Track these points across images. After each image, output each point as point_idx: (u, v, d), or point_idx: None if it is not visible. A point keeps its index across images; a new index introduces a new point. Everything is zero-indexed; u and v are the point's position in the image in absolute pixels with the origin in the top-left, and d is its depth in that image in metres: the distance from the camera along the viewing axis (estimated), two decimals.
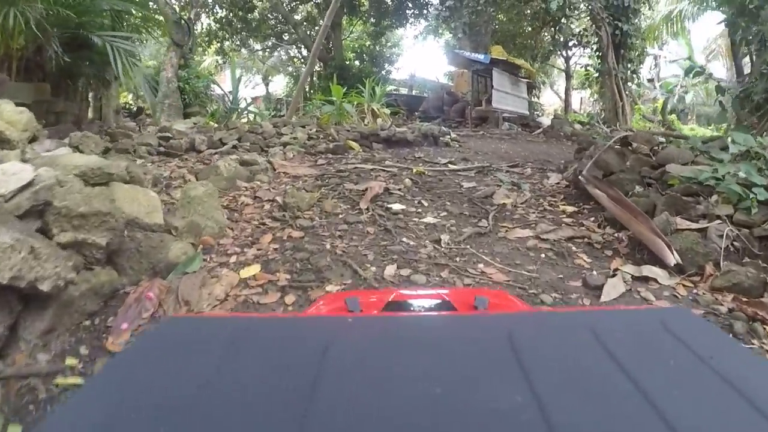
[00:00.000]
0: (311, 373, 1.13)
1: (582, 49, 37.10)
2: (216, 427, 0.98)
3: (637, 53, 31.79)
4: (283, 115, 21.96)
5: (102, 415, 1.02)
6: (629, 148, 11.06)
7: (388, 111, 21.61)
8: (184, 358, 1.28)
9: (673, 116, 40.07)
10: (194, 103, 27.04)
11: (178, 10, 29.29)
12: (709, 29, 57.22)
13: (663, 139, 11.66)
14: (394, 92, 33.96)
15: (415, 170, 13.03)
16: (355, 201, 10.10)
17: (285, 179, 12.25)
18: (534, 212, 9.99)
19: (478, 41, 32.37)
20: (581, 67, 40.80)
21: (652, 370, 1.16)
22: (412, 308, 2.65)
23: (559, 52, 40.59)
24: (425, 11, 39.70)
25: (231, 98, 23.68)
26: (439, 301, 2.62)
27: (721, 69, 42.84)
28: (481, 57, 28.82)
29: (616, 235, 8.43)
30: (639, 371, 1.12)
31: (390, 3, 39.14)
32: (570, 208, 10.14)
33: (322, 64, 38.02)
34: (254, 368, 1.22)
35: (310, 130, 17.60)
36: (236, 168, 11.83)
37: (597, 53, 31.49)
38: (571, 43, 34.16)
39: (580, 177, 9.50)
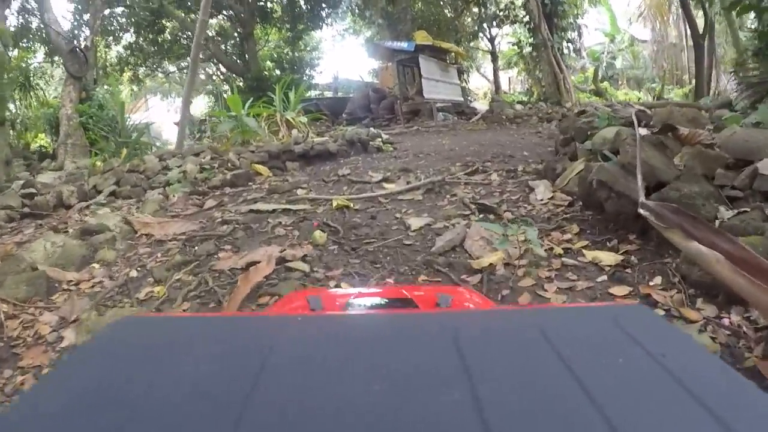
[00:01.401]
0: (252, 373, 1.02)
1: (508, 26, 32.20)
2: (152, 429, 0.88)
3: (569, 20, 27.28)
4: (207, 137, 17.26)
5: (51, 413, 0.94)
6: (669, 135, 6.13)
7: (305, 119, 16.64)
8: (134, 357, 1.17)
9: (606, 83, 36.13)
10: (101, 138, 21.76)
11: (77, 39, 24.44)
12: None
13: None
14: (316, 98, 29.04)
15: (335, 204, 8.43)
16: (224, 292, 5.77)
17: (144, 249, 7.65)
18: (546, 273, 5.15)
19: (399, 30, 27.93)
20: (512, 45, 36.79)
21: (599, 368, 1.04)
22: (372, 306, 2.38)
23: (482, 34, 36.50)
24: (339, 9, 35.37)
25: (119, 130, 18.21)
26: (400, 299, 2.46)
27: (644, 31, 41.49)
28: (404, 45, 24.54)
29: (729, 319, 4.07)
30: (584, 369, 1.00)
31: (303, 5, 34.48)
32: (604, 255, 5.45)
33: (238, 78, 33.10)
34: (197, 368, 1.08)
35: (204, 158, 12.78)
36: (64, 247, 7.30)
37: (528, 25, 26.72)
38: (497, 20, 29.04)
39: (642, 211, 4.31)
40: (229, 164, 12.24)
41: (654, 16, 38.87)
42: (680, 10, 34.74)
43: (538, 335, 1.17)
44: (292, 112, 16.70)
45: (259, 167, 12.22)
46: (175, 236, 7.85)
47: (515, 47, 36.59)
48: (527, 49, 31.16)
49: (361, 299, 2.47)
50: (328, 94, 33.50)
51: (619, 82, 40.86)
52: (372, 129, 17.14)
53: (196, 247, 7.16)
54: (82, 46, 22.81)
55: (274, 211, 8.37)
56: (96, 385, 1.03)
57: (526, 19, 27.20)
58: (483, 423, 0.85)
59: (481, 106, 29.59)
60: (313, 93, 33.21)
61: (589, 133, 8.47)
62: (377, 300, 2.54)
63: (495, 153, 13.06)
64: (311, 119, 18.47)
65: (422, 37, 25.05)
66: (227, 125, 15.35)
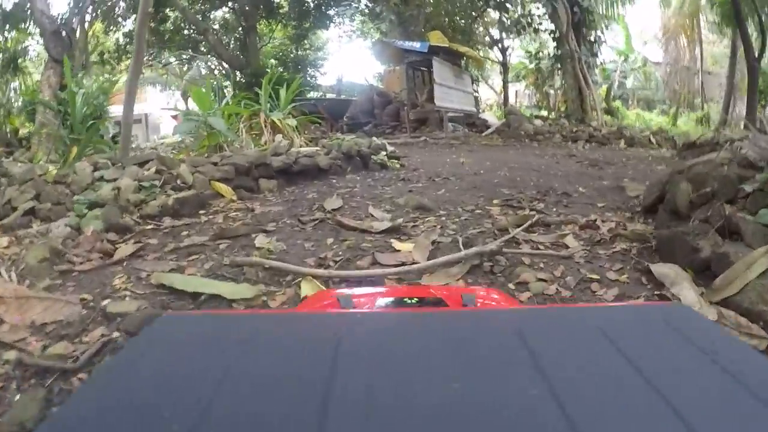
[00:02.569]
0: (325, 369, 0.97)
1: (530, 34, 27.95)
2: (234, 427, 0.83)
3: (596, 33, 23.32)
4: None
5: (106, 417, 0.86)
6: None
7: (294, 122, 12.29)
8: (190, 356, 1.09)
9: (617, 102, 32.34)
10: (81, 129, 17.69)
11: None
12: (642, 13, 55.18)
13: None
14: (314, 99, 24.79)
15: (304, 290, 4.56)
16: None
17: None
18: None
19: (411, 32, 23.67)
20: (529, 56, 33.25)
21: (660, 365, 1.00)
22: (403, 305, 2.20)
23: (495, 44, 32.38)
24: (348, 8, 31.88)
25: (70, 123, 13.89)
26: (431, 298, 2.32)
27: (657, 52, 38.81)
28: (417, 45, 20.54)
29: None
30: (648, 366, 0.96)
31: (311, 2, 31.09)
32: None
33: (237, 72, 29.15)
34: (267, 366, 1.03)
35: (148, 170, 8.68)
36: None
37: (553, 34, 22.60)
38: (518, 27, 24.81)
39: None
40: (179, 181, 8.25)
41: (668, 39, 36.23)
42: (695, 34, 32.73)
43: (597, 333, 1.11)
44: (280, 113, 12.60)
45: (220, 187, 8.33)
46: (34, 326, 4.05)
47: (527, 60, 34.09)
48: (546, 62, 27.50)
49: (390, 299, 2.35)
50: (331, 96, 29.33)
51: (630, 102, 37.16)
52: (375, 139, 13.18)
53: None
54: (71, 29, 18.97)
55: (195, 297, 4.53)
56: (156, 382, 0.96)
57: (551, 27, 22.99)
58: (566, 418, 0.79)
59: (492, 118, 25.68)
60: (315, 94, 29.42)
61: (747, 189, 4.97)
62: (406, 299, 2.27)
63: (537, 184, 9.35)
64: (304, 122, 14.34)
65: (437, 38, 20.94)
66: (186, 126, 11.24)
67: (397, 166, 11.49)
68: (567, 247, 5.45)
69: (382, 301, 2.23)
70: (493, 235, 5.86)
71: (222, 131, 10.31)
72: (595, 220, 6.41)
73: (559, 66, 23.87)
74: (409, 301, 2.22)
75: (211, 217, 7.29)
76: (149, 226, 6.85)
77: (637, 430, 0.81)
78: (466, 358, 1.02)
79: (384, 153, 11.72)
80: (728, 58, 32.70)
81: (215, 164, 8.80)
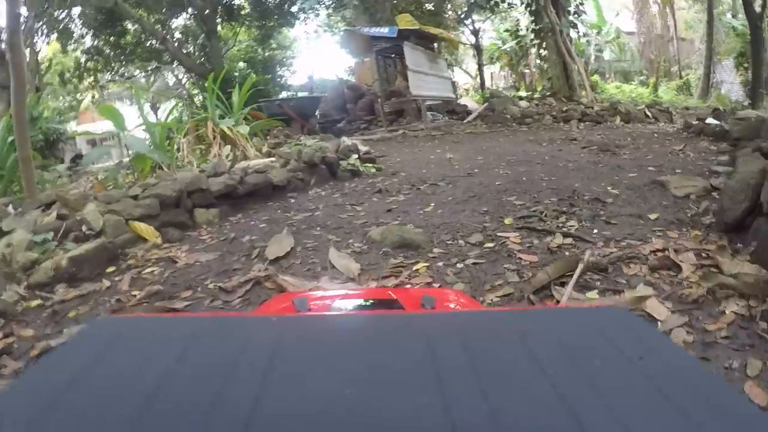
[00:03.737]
0: (258, 374, 0.91)
1: (497, 13, 25.58)
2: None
3: (577, 2, 20.91)
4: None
5: (31, 416, 0.80)
6: None
7: (246, 129, 9.69)
8: (124, 359, 1.01)
9: (596, 76, 30.07)
10: (37, 156, 15.24)
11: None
12: None
13: None
14: (279, 99, 21.94)
15: None
16: None
17: None
18: None
19: (378, 19, 20.96)
20: (511, 32, 30.59)
21: (575, 371, 0.92)
22: (358, 308, 2.09)
23: (465, 27, 30.33)
24: (309, 2, 29.23)
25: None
26: (386, 300, 2.22)
27: (629, 22, 37.10)
28: (385, 30, 17.82)
29: None
30: (560, 372, 0.90)
31: (272, 1, 28.64)
32: None
33: (202, 79, 26.35)
34: (197, 370, 0.95)
35: (49, 215, 6.18)
36: None
37: (529, 8, 20.22)
38: (491, 3, 22.09)
39: None
40: (84, 228, 5.76)
41: (641, 8, 34.84)
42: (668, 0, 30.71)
43: (514, 337, 1.06)
44: (231, 120, 10.06)
45: (140, 228, 5.92)
46: None
47: (500, 41, 32.31)
48: (524, 38, 24.99)
49: (348, 301, 2.22)
50: (303, 94, 26.47)
51: (607, 76, 34.77)
52: (345, 139, 10.69)
53: None
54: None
55: None
56: (84, 384, 0.89)
57: (527, 1, 20.47)
58: (451, 426, 0.75)
59: (471, 103, 23.15)
60: (287, 94, 27.29)
61: None
62: (362, 302, 2.18)
63: (552, 185, 7.04)
64: (263, 128, 11.81)
65: (406, 22, 18.29)
66: (97, 153, 8.68)
67: (373, 170, 9.09)
68: (653, 318, 3.20)
69: (337, 304, 2.05)
70: (526, 301, 3.68)
71: (144, 152, 7.74)
72: (665, 251, 4.19)
73: (538, 41, 21.33)
74: (365, 303, 2.12)
75: (119, 278, 4.94)
76: (35, 302, 4.56)
77: None
78: (368, 364, 0.95)
79: (356, 156, 9.31)
80: (701, 23, 31.49)
81: (135, 198, 6.33)
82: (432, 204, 6.35)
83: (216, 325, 1.25)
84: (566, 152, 9.92)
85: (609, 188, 6.58)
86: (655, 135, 12.53)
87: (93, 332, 1.16)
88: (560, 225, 5.13)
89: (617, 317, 1.21)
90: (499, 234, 4.97)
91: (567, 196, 6.20)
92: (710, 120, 11.95)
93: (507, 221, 5.33)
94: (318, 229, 5.69)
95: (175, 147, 9.17)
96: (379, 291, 3.19)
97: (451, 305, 2.24)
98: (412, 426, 0.77)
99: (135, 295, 4.39)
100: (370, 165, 9.28)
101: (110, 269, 5.11)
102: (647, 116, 16.68)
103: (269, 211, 6.77)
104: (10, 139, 8.88)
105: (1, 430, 0.76)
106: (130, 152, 8.87)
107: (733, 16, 29.73)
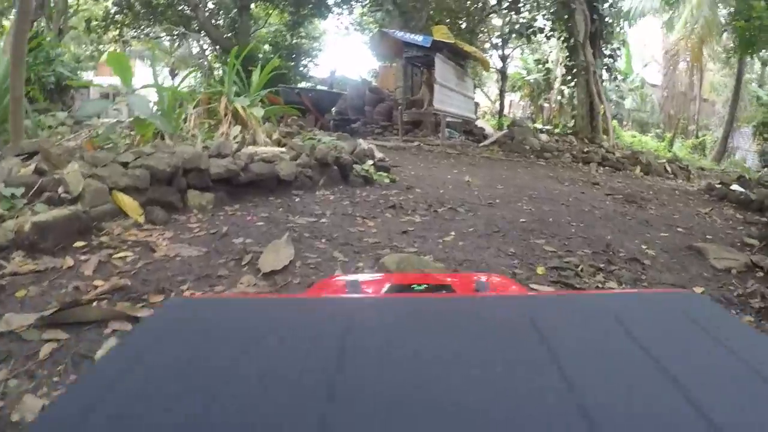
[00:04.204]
0: (333, 357, 0.88)
1: (533, 42, 24.89)
2: (244, 410, 0.75)
3: (613, 46, 20.21)
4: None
5: (118, 401, 0.78)
6: None
7: (261, 112, 8.92)
8: (201, 340, 0.98)
9: (614, 122, 29.23)
10: (40, 99, 14.44)
11: None
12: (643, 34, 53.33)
13: None
14: (298, 87, 21.03)
15: None
16: None
17: None
18: None
19: (412, 27, 20.14)
20: (539, 62, 30.40)
21: (675, 352, 0.90)
22: (413, 291, 2.03)
23: (495, 51, 29.08)
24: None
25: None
26: (437, 284, 2.15)
27: (656, 75, 36.68)
28: (419, 38, 16.76)
29: None
30: (662, 354, 0.87)
31: None
32: None
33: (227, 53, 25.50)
34: (278, 350, 0.92)
35: (26, 167, 5.43)
36: None
37: (566, 43, 19.43)
38: (529, 31, 21.25)
39: None
40: (61, 189, 4.97)
41: (669, 63, 33.25)
42: (698, 60, 30.15)
43: (611, 320, 1.01)
44: (246, 99, 9.25)
45: (124, 201, 5.14)
46: None
47: (525, 71, 32.07)
48: (552, 72, 24.26)
49: (399, 285, 2.13)
50: (322, 89, 25.62)
51: (624, 123, 34.13)
52: (362, 142, 9.84)
53: None
54: None
55: None
56: (165, 367, 0.87)
57: (565, 36, 19.67)
58: (580, 407, 0.72)
59: (488, 127, 22.49)
60: (306, 85, 26.21)
61: None
62: (416, 286, 2.07)
63: (581, 232, 6.34)
64: (279, 113, 10.96)
65: (442, 34, 17.27)
66: (92, 107, 7.75)
67: (386, 180, 8.30)
68: None
69: (390, 288, 2.03)
70: None
71: (146, 116, 6.86)
72: None
73: (569, 78, 20.53)
74: (418, 288, 2.03)
75: (85, 258, 4.15)
76: None
77: (651, 419, 0.72)
78: (479, 345, 0.92)
79: (371, 162, 8.50)
80: (726, 87, 31.16)
81: (125, 165, 5.51)
82: (452, 233, 5.58)
83: (284, 307, 1.21)
84: (589, 196, 9.16)
85: (644, 247, 5.87)
86: (677, 192, 11.82)
87: (169, 313, 1.14)
88: (599, 285, 4.38)
89: (697, 302, 1.18)
90: (532, 285, 4.20)
91: (601, 249, 5.45)
92: (735, 186, 11.36)
93: (539, 270, 4.58)
94: (323, 240, 4.91)
95: (183, 117, 8.37)
96: (427, 276, 2.98)
97: (504, 289, 2.15)
98: (546, 405, 0.73)
99: (96, 286, 3.60)
100: (384, 174, 8.48)
101: (79, 244, 4.33)
102: (666, 171, 15.91)
103: (270, 208, 5.99)
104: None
105: (95, 415, 0.72)
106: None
107: (760, 86, 29.32)
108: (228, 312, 1.14)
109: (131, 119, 8.11)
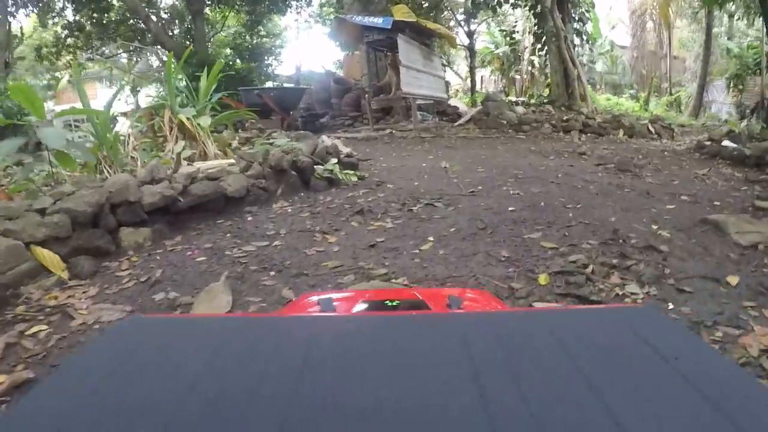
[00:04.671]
0: (292, 375, 0.88)
1: (497, 13, 23.89)
2: (197, 429, 0.75)
3: (582, 9, 19.40)
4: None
5: (65, 417, 0.77)
6: None
7: (207, 122, 7.85)
8: (156, 358, 0.99)
9: (588, 87, 28.52)
10: None
11: None
12: None
13: None
14: (258, 87, 19.66)
15: None
16: None
17: None
18: None
19: (372, 10, 19.16)
20: (506, 33, 29.90)
21: (611, 370, 0.89)
22: (384, 308, 1.98)
23: (460, 28, 28.19)
24: None
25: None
26: (411, 300, 2.11)
27: (624, 37, 36.17)
28: (379, 21, 15.67)
29: None
30: (595, 371, 0.87)
31: None
32: None
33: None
34: (235, 369, 0.92)
35: None
36: None
37: (533, 10, 18.55)
38: (494, 2, 20.06)
39: None
40: None
41: (636, 23, 33.23)
42: (666, 18, 29.55)
43: (547, 337, 1.01)
44: (192, 109, 8.19)
45: (45, 255, 4.18)
46: None
47: (492, 45, 31.16)
48: (522, 42, 23.41)
49: (372, 302, 2.10)
50: (289, 86, 24.44)
51: (597, 87, 33.41)
52: (324, 139, 8.89)
53: None
54: None
55: None
56: (116, 382, 0.87)
57: (531, 3, 18.68)
58: (491, 426, 0.73)
59: (462, 105, 21.61)
60: (272, 84, 25.31)
61: None
62: (388, 302, 2.03)
63: (580, 217, 5.33)
64: (230, 120, 9.86)
65: (402, 13, 16.17)
66: (7, 146, 6.54)
67: (354, 179, 7.34)
68: None
69: (362, 305, 1.99)
70: None
71: (60, 147, 5.74)
72: None
73: (539, 46, 19.58)
74: (390, 304, 2.00)
75: None
76: None
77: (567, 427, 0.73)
78: (411, 362, 0.93)
79: (335, 161, 7.52)
80: (696, 42, 30.98)
81: (42, 212, 4.53)
82: (430, 238, 4.65)
83: (247, 325, 1.20)
84: (579, 169, 8.26)
85: (654, 227, 4.98)
86: (666, 154, 11.03)
87: (122, 331, 1.12)
88: (618, 292, 3.47)
89: (648, 316, 1.16)
90: (534, 304, 3.31)
91: (609, 238, 4.53)
92: (727, 142, 10.60)
93: (542, 279, 3.68)
94: (272, 272, 3.96)
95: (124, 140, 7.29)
96: (403, 291, 2.91)
97: (478, 305, 2.13)
98: (454, 425, 0.73)
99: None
100: (351, 172, 7.51)
101: None
102: (650, 131, 15.11)
103: (216, 234, 5.02)
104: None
105: (38, 424, 0.72)
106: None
107: (729, 39, 28.78)
108: (187, 330, 1.11)
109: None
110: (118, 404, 0.78)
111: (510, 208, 5.60)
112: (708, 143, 11.16)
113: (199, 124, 7.67)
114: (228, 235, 4.96)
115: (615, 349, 0.97)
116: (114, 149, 6.63)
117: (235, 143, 8.60)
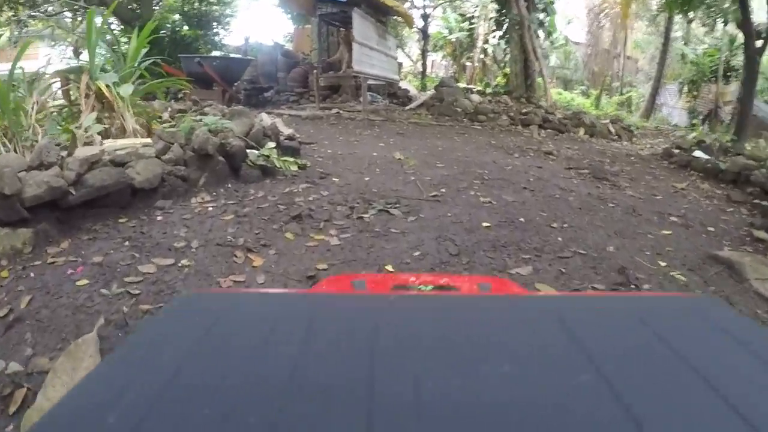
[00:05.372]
0: (366, 356, 0.80)
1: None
2: (276, 408, 0.69)
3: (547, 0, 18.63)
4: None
5: (125, 397, 0.71)
6: None
7: (129, 90, 6.46)
8: (225, 334, 0.90)
9: (540, 80, 27.91)
10: None
11: None
12: None
13: None
14: (200, 56, 17.91)
15: None
16: None
17: None
18: None
19: None
20: (464, 18, 28.68)
21: (701, 356, 0.81)
22: (422, 290, 1.89)
23: (416, 8, 27.08)
24: None
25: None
26: (442, 285, 1.96)
27: (579, 33, 36.18)
28: None
29: None
30: (693, 357, 0.80)
31: None
32: None
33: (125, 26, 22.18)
34: (309, 344, 0.85)
35: None
36: None
37: None
38: None
39: None
40: None
41: (593, 20, 33.22)
42: (624, 17, 29.25)
43: (637, 321, 0.92)
44: (115, 75, 6.78)
45: None
46: None
47: (446, 30, 29.78)
48: (482, 28, 22.47)
49: (407, 284, 1.94)
50: (234, 56, 22.81)
51: (549, 80, 32.76)
52: (264, 117, 7.66)
53: None
54: None
55: None
56: (183, 360, 0.79)
57: None
58: (620, 403, 0.68)
59: (412, 89, 20.78)
60: (219, 54, 23.15)
61: None
62: (422, 287, 1.92)
63: (570, 239, 4.42)
64: (160, 89, 8.41)
65: None
66: None
67: (294, 168, 6.12)
68: None
69: (397, 288, 1.83)
70: None
71: None
72: None
73: (502, 33, 18.60)
74: (425, 288, 1.88)
75: None
76: None
77: (696, 423, 0.68)
78: (508, 343, 0.85)
79: (273, 145, 6.25)
80: (651, 45, 31.62)
81: None
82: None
83: (302, 302, 1.13)
84: (550, 173, 7.29)
85: (662, 264, 4.06)
86: (633, 159, 10.24)
87: (181, 308, 1.06)
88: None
89: (716, 306, 1.07)
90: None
91: (618, 282, 3.50)
92: (698, 153, 9.92)
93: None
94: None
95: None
96: (430, 277, 2.54)
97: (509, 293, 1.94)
98: (587, 403, 0.68)
99: None
100: (291, 160, 6.27)
101: None
102: (610, 132, 14.31)
103: (113, 241, 3.78)
104: None
105: (106, 414, 0.66)
106: None
107: (685, 44, 28.65)
108: (255, 307, 1.06)
109: None
110: (175, 386, 0.70)
111: (484, 224, 4.53)
112: (677, 151, 10.51)
113: (118, 93, 6.32)
114: (127, 243, 3.72)
115: (696, 335, 0.89)
116: (16, 120, 5.30)
117: (166, 115, 7.32)
